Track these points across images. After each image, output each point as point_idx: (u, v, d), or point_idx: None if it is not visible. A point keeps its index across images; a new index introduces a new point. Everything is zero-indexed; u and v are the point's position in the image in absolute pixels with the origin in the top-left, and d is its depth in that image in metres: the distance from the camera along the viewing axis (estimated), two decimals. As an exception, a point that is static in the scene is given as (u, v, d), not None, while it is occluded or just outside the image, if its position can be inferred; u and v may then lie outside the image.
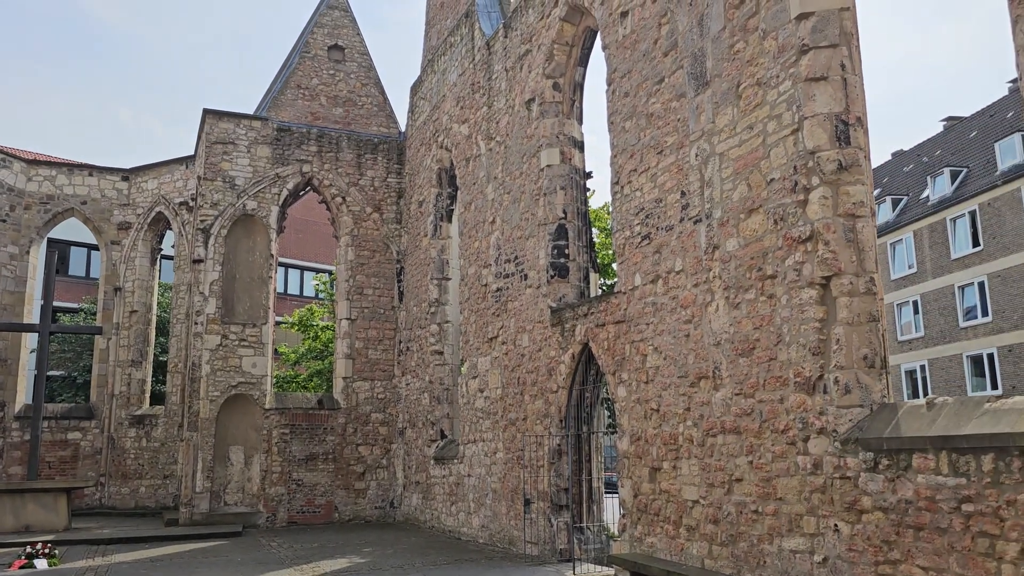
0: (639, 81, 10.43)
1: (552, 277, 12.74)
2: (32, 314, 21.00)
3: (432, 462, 16.81)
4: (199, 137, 19.69)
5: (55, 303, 19.68)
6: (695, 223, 9.08)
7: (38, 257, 21.39)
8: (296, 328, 29.16)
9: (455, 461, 15.64)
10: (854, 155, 7.30)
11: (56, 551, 12.89)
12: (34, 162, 21.96)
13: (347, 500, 18.60)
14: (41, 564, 12.16)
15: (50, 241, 24.15)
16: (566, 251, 12.83)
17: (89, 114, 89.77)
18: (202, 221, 18.48)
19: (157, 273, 22.82)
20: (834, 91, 7.40)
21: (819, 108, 7.40)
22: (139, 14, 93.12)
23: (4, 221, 20.63)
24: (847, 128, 7.34)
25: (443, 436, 17.00)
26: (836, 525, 6.85)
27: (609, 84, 11.17)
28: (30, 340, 21.65)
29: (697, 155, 9.12)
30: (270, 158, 19.22)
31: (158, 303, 23.74)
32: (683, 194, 9.33)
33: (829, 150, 7.30)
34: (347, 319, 19.36)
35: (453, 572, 11.24)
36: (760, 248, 8.00)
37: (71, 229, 25.83)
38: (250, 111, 20.45)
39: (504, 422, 13.73)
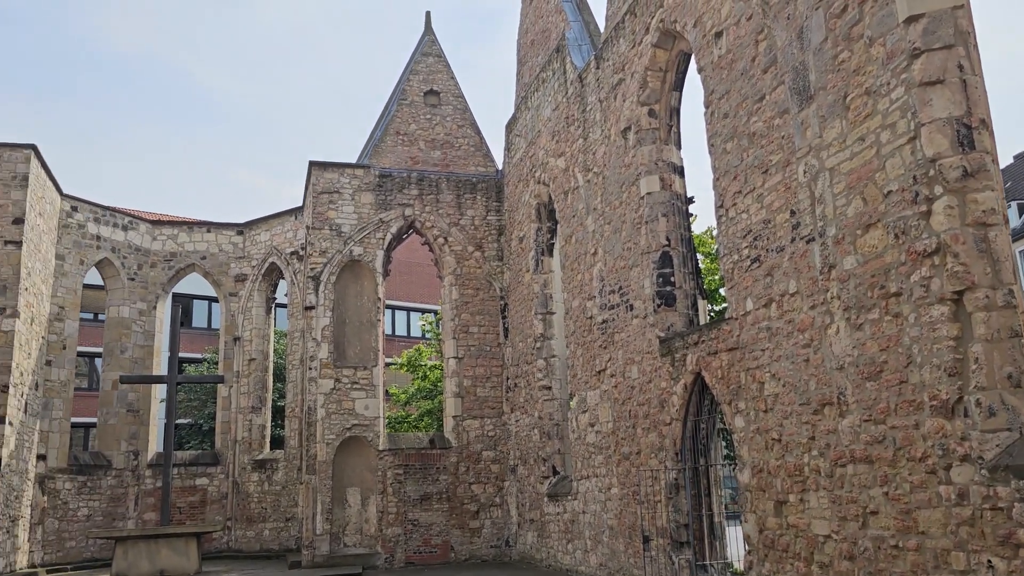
0: (738, 101, 10.15)
1: (659, 306, 12.45)
2: (160, 366, 22.20)
3: (546, 499, 16.61)
4: (306, 188, 20.44)
5: (181, 354, 20.67)
6: (808, 242, 8.69)
7: (164, 311, 22.63)
8: (405, 369, 29.64)
9: (569, 498, 15.39)
10: (980, 160, 6.82)
11: (188, 595, 13.36)
12: (158, 223, 23.36)
13: (462, 539, 18.58)
14: (175, 608, 12.61)
15: (174, 296, 25.56)
16: (672, 279, 12.53)
17: (204, 173, 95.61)
18: (312, 269, 19.10)
19: (272, 321, 23.69)
20: (952, 94, 6.95)
21: (937, 113, 6.96)
22: (249, 80, 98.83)
23: (133, 279, 21.93)
24: (970, 132, 6.87)
25: (555, 472, 16.80)
26: (990, 561, 6.29)
27: (707, 106, 10.92)
28: (159, 391, 22.85)
29: (805, 172, 8.75)
30: (373, 204, 19.74)
31: (274, 350, 24.61)
32: (793, 213, 8.96)
33: (951, 156, 6.85)
34: (454, 358, 19.52)
35: (573, 613, 10.99)
36: (881, 264, 7.55)
37: (193, 283, 27.26)
38: (353, 159, 21.12)
39: (617, 456, 13.43)
